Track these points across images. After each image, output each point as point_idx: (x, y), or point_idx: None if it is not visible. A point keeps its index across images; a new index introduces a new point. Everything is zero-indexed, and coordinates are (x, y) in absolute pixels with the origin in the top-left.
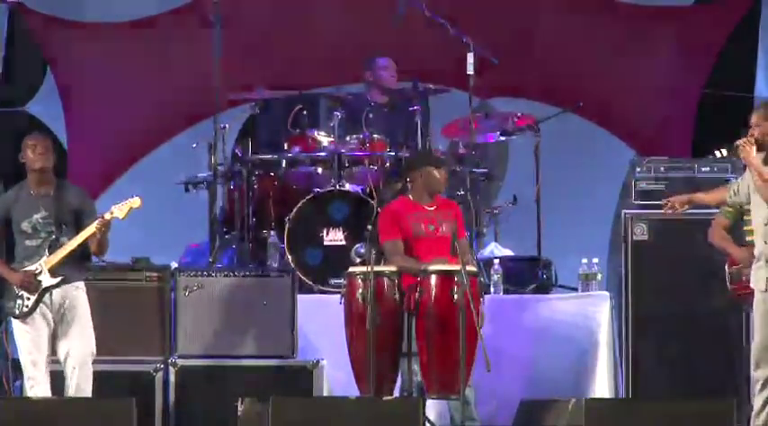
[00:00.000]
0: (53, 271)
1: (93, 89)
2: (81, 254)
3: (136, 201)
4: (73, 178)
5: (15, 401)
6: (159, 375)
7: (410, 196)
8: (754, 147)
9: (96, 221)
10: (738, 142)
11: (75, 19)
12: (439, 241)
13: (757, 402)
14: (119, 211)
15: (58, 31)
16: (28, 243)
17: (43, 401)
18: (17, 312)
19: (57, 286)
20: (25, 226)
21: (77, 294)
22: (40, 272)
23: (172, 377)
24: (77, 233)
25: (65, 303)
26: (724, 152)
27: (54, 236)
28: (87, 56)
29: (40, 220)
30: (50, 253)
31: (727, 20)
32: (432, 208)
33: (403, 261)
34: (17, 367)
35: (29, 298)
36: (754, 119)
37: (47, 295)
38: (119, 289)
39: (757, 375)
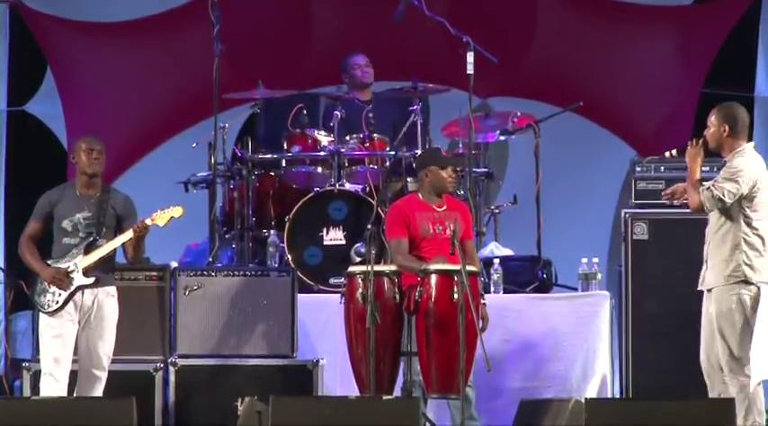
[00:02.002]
0: (87, 272)
1: (93, 89)
2: (114, 260)
3: (178, 211)
4: (73, 178)
5: (15, 401)
6: (159, 374)
7: (419, 194)
8: (700, 150)
9: (135, 226)
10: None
11: (75, 19)
12: (445, 242)
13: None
14: (160, 219)
15: (58, 30)
16: (66, 241)
17: (43, 401)
18: (46, 307)
19: (88, 286)
20: (66, 224)
21: (108, 301)
22: (74, 271)
23: (172, 377)
24: (115, 237)
25: (94, 307)
26: (674, 152)
27: (93, 238)
28: (87, 56)
29: (82, 220)
30: (86, 254)
31: (726, 19)
32: (441, 209)
33: (405, 261)
34: (17, 367)
35: (60, 295)
36: (711, 118)
37: (78, 294)
38: (119, 289)
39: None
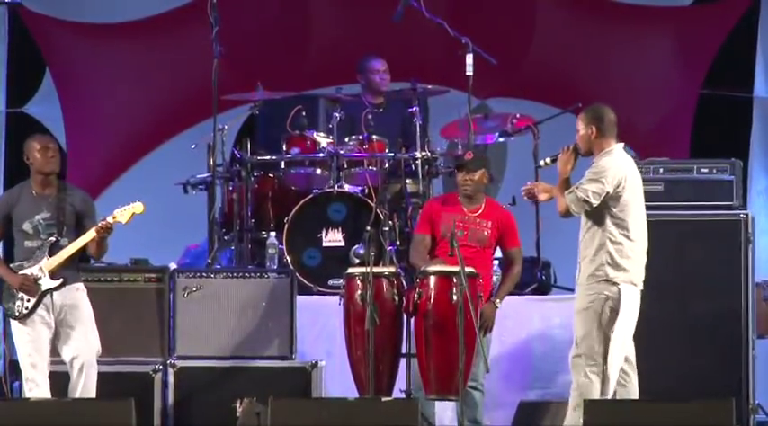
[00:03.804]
0: (53, 274)
1: (93, 90)
2: (79, 256)
3: (138, 207)
4: (72, 179)
5: (14, 402)
6: (158, 376)
7: (459, 194)
8: (572, 157)
9: (98, 225)
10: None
11: (74, 19)
12: (465, 249)
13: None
14: (121, 216)
15: (57, 32)
16: (28, 243)
17: (42, 402)
18: (16, 313)
19: (56, 289)
20: (26, 226)
21: (78, 295)
22: (40, 276)
23: (171, 378)
24: (78, 235)
25: (66, 305)
26: (548, 160)
27: (54, 238)
28: (87, 56)
29: (42, 221)
30: (50, 256)
31: (725, 20)
32: (473, 214)
33: (414, 258)
34: (16, 368)
35: (29, 300)
36: (578, 122)
37: (47, 297)
38: (118, 290)
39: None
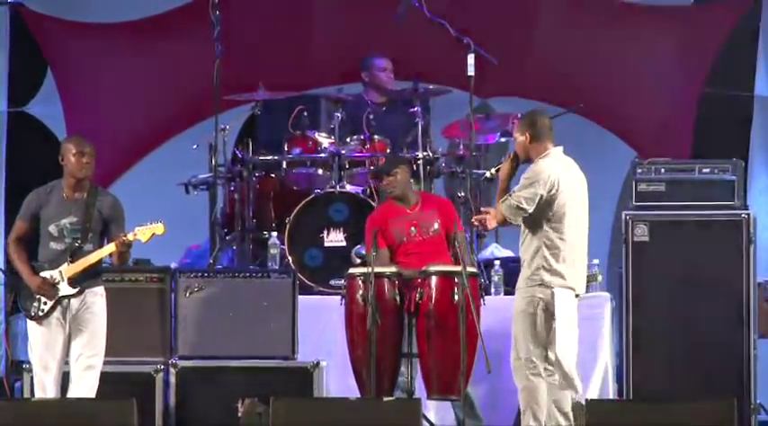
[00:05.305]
0: (72, 280)
1: (94, 90)
2: (99, 262)
3: (159, 228)
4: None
5: (15, 402)
6: (160, 376)
7: (392, 200)
8: (512, 165)
9: (117, 240)
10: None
11: (75, 19)
12: (425, 243)
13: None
14: (141, 235)
15: (58, 31)
16: (52, 245)
17: (43, 402)
18: (32, 314)
19: (73, 296)
20: (52, 228)
21: (96, 300)
22: (59, 281)
23: (172, 378)
24: (103, 240)
25: (82, 308)
26: (493, 171)
27: (78, 243)
28: (88, 56)
29: (68, 225)
30: (72, 261)
31: (726, 19)
32: (414, 211)
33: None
34: (17, 368)
35: (45, 302)
36: (514, 131)
37: (64, 301)
38: (120, 291)
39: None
